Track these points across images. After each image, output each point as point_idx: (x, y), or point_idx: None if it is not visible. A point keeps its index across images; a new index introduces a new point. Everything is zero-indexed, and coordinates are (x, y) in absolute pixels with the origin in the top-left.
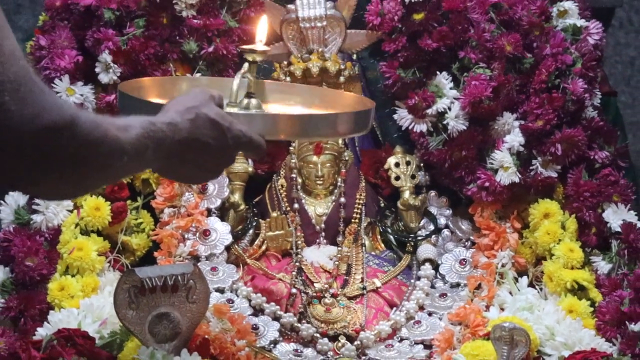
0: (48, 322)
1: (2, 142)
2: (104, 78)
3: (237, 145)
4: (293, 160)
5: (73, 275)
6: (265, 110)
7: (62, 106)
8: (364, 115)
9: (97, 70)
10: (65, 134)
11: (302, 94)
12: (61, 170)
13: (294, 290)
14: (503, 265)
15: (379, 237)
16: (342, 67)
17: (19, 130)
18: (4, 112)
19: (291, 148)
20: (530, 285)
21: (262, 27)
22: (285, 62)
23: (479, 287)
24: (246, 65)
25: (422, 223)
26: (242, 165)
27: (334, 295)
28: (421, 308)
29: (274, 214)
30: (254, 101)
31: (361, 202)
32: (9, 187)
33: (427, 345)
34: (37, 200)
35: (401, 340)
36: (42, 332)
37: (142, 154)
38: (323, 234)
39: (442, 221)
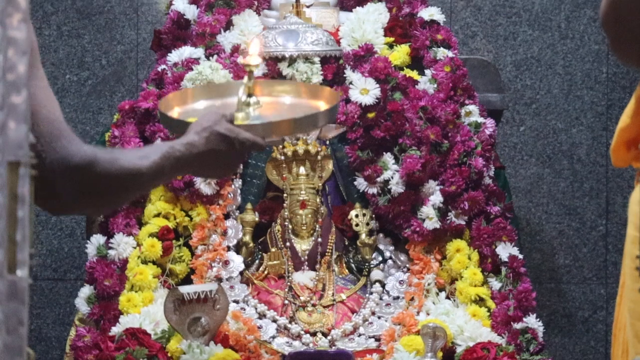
0: (119, 323)
1: (41, 181)
2: None
3: (244, 148)
4: (286, 213)
5: (136, 291)
6: (261, 105)
7: (86, 151)
8: (333, 110)
9: None
10: (87, 171)
11: (288, 88)
12: (88, 196)
13: (286, 302)
14: (429, 284)
15: (344, 265)
16: (319, 149)
17: (52, 171)
18: (39, 160)
19: (284, 204)
20: (447, 297)
21: (255, 44)
22: (281, 146)
23: (412, 299)
24: (246, 77)
25: (373, 255)
26: (251, 216)
27: (313, 305)
28: (373, 313)
29: (273, 249)
30: (254, 99)
31: (332, 241)
32: (49, 211)
33: (377, 339)
34: (112, 240)
35: (359, 335)
36: (115, 330)
37: (160, 172)
38: (306, 263)
39: (387, 254)
